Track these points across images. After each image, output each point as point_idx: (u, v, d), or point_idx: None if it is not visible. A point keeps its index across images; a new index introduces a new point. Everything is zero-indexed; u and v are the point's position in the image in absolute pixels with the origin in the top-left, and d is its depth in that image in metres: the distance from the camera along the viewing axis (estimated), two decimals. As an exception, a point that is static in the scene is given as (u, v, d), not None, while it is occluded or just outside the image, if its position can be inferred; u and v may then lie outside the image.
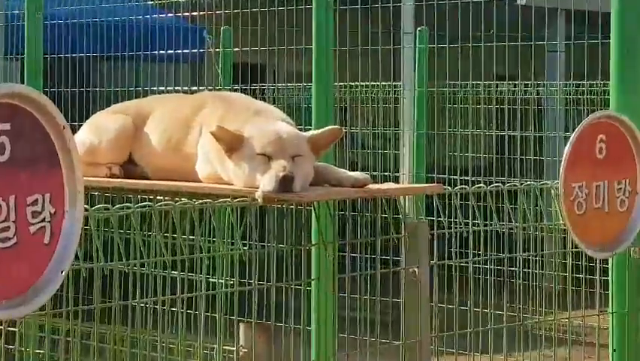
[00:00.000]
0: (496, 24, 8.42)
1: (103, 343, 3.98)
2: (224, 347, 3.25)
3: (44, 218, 1.97)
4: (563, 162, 3.27)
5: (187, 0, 7.84)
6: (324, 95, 4.33)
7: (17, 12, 7.21)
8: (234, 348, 3.43)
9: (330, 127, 3.24)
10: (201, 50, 7.95)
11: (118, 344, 3.85)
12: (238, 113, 3.18)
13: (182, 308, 3.31)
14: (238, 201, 2.88)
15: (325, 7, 4.30)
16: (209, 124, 3.08)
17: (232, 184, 3.01)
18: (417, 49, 8.57)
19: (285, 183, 2.76)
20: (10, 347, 3.56)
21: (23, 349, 3.60)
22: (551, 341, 4.69)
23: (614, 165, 3.50)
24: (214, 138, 2.94)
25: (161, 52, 7.57)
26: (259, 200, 2.78)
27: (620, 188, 3.48)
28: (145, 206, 2.69)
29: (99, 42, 7.88)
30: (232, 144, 2.92)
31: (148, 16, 8.43)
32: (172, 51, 7.61)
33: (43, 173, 2.01)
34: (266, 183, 2.77)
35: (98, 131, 3.48)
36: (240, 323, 3.25)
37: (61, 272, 2.05)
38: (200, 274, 3.39)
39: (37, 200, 1.96)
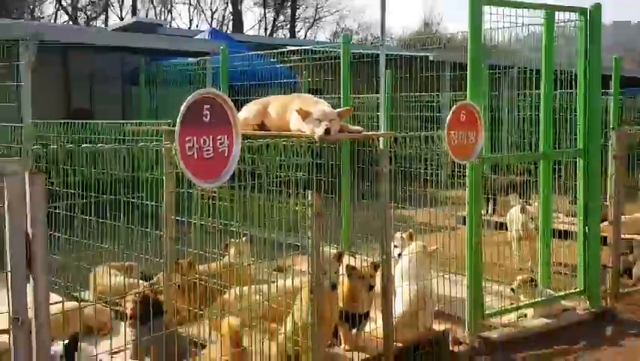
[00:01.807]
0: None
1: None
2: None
3: (225, 145, 3.72)
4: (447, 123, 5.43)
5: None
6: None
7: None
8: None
9: (346, 107, 5.06)
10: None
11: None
12: (307, 103, 5.09)
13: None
14: (307, 138, 4.88)
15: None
16: (295, 107, 4.97)
17: (305, 132, 4.88)
18: None
19: (328, 130, 4.76)
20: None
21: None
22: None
23: (468, 124, 5.63)
24: (298, 113, 4.88)
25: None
26: (317, 138, 4.77)
27: (468, 135, 5.62)
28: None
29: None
30: (305, 115, 4.86)
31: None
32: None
33: (223, 126, 3.71)
34: (319, 131, 4.76)
35: (249, 111, 5.45)
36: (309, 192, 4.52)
37: (232, 169, 3.79)
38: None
39: (221, 138, 3.70)
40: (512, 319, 6.51)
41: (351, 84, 9.05)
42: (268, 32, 43.49)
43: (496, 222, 9.89)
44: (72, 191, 6.08)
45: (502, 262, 7.55)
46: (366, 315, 5.45)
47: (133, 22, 16.85)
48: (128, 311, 4.99)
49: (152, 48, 14.36)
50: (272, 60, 12.20)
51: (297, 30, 45.34)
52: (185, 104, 3.55)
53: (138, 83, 14.51)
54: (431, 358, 5.63)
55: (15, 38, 11.90)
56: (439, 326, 5.95)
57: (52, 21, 34.99)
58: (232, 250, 6.75)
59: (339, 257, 4.97)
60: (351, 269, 5.26)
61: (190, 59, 13.45)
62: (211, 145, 3.69)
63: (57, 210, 5.93)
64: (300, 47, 10.44)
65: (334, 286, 4.81)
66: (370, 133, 6.06)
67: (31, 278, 2.83)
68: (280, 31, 44.62)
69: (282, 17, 44.66)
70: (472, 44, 6.06)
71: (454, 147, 5.64)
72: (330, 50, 10.24)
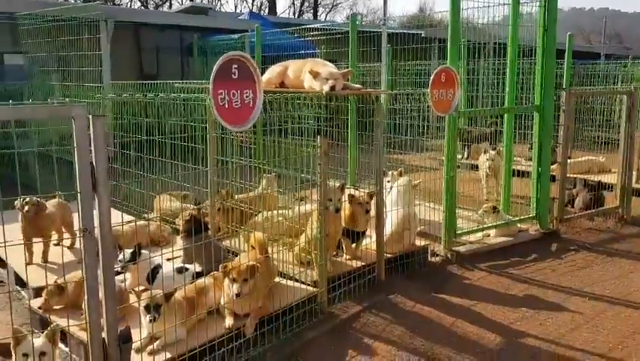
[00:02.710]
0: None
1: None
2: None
3: (250, 97, 3.64)
4: (430, 83, 5.23)
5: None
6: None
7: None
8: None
9: (348, 69, 4.92)
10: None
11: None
12: (317, 65, 4.94)
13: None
14: (317, 93, 4.70)
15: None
16: (308, 69, 4.82)
17: (315, 89, 4.74)
18: None
19: (333, 87, 4.60)
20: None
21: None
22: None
23: (447, 83, 5.40)
24: (310, 73, 4.72)
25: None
26: (324, 93, 4.64)
27: (447, 92, 5.40)
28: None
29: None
30: (315, 75, 4.70)
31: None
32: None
33: (249, 82, 3.61)
34: (325, 87, 4.62)
35: (272, 73, 5.26)
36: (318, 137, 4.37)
37: (256, 116, 3.72)
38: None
39: (247, 91, 3.61)
40: (478, 237, 6.45)
41: (357, 55, 8.90)
42: (296, 15, 42.74)
43: (471, 164, 9.82)
44: (141, 137, 6.10)
45: (472, 195, 7.48)
46: (364, 233, 5.43)
47: (189, 5, 16.48)
48: (181, 227, 5.01)
49: (203, 27, 14.16)
50: (296, 36, 11.99)
51: (319, 14, 44.75)
52: (217, 63, 3.45)
53: (192, 55, 14.32)
54: (414, 266, 5.62)
55: (97, 18, 11.80)
56: (421, 242, 5.92)
57: (128, 6, 34.46)
58: (264, 182, 6.72)
59: (341, 188, 4.91)
60: (351, 197, 5.21)
61: (233, 36, 13.32)
62: (239, 97, 3.61)
63: (128, 151, 5.97)
64: (318, 25, 10.32)
65: (337, 210, 4.76)
66: (369, 90, 5.93)
67: (96, 198, 2.81)
68: (305, 14, 43.87)
69: (306, 3, 43.78)
70: (452, 22, 5.84)
71: (435, 102, 5.49)
72: (340, 28, 10.01)
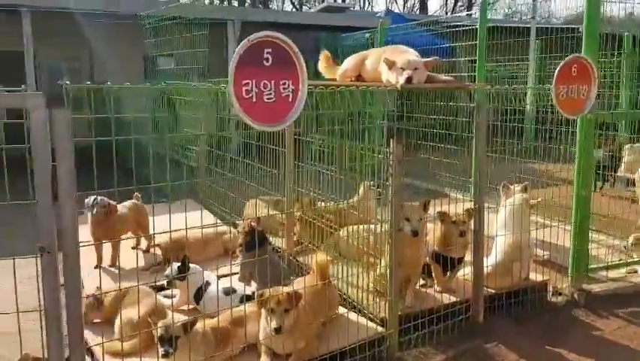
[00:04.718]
0: None
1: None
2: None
3: (290, 90, 2.87)
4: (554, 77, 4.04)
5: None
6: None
7: None
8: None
9: (433, 57, 3.94)
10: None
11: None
12: (395, 53, 3.99)
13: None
14: (391, 87, 3.80)
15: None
16: (384, 57, 3.91)
17: (390, 82, 3.83)
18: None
19: (409, 79, 3.68)
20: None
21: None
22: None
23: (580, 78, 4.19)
24: (384, 63, 3.87)
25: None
26: (398, 86, 3.72)
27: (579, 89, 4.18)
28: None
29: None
30: (390, 64, 3.83)
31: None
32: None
33: (288, 71, 2.86)
34: (401, 79, 3.70)
35: (348, 64, 4.45)
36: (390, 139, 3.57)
37: (297, 113, 2.93)
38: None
39: (284, 82, 2.85)
40: (621, 274, 5.05)
41: (487, 49, 7.83)
42: (449, 13, 41.05)
43: (628, 179, 8.11)
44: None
45: (620, 217, 5.97)
46: (460, 260, 4.42)
47: (326, 5, 16.20)
48: (239, 240, 4.43)
49: (337, 26, 13.71)
50: (428, 31, 11.03)
51: (473, 13, 42.65)
52: (240, 46, 2.76)
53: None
54: (526, 306, 4.48)
55: (224, 19, 11.89)
56: (542, 275, 4.74)
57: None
58: (360, 191, 5.92)
59: (424, 205, 3.98)
60: (443, 215, 4.25)
61: (360, 33, 12.66)
62: (273, 89, 2.88)
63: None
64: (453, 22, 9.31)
65: (415, 233, 3.84)
66: (460, 84, 4.89)
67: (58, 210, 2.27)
68: (459, 13, 41.97)
69: (459, 2, 41.76)
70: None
71: (562, 101, 4.29)
72: (470, 24, 8.86)
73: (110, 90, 2.55)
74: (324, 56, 4.85)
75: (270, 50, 2.85)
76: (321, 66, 4.84)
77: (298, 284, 3.66)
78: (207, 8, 12.66)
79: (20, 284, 2.36)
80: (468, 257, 4.44)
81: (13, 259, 2.29)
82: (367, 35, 12.35)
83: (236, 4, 22.32)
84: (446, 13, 41.50)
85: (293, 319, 3.27)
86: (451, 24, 9.29)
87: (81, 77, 12.35)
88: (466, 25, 8.81)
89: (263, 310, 3.33)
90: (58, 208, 2.25)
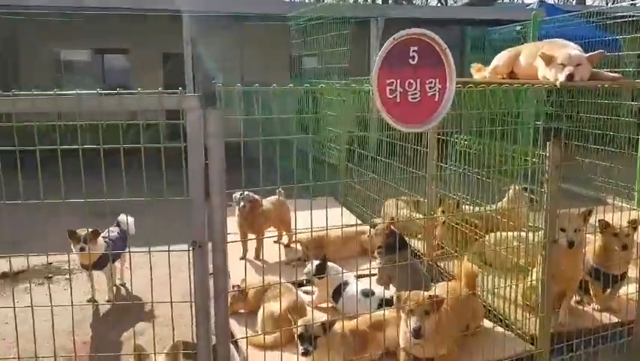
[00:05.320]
0: None
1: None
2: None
3: (436, 89, 2.75)
4: None
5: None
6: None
7: None
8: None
9: (598, 51, 3.52)
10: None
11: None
12: (553, 47, 3.66)
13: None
14: (550, 84, 3.49)
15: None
16: (541, 52, 3.60)
17: (548, 79, 3.51)
18: None
19: (570, 76, 3.34)
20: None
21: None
22: None
23: None
24: (541, 58, 3.56)
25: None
26: (557, 84, 3.41)
27: None
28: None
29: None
30: (548, 59, 3.52)
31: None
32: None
33: (435, 70, 2.75)
34: (561, 76, 3.38)
35: (499, 59, 4.17)
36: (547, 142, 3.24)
37: (443, 114, 2.79)
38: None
39: (431, 81, 2.74)
40: None
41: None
42: (609, 3, 37.54)
43: None
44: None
45: None
46: (622, 276, 3.97)
47: (474, -1, 15.62)
48: (379, 241, 4.37)
49: (485, 20, 13.10)
50: (588, 23, 10.11)
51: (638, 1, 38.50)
52: (385, 45, 2.69)
53: (464, 50, 13.35)
54: None
55: (368, 17, 11.91)
56: None
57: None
58: (510, 194, 5.55)
59: (585, 215, 3.60)
60: (605, 225, 3.84)
61: (517, 27, 11.94)
62: (418, 89, 2.77)
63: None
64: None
65: (571, 244, 3.49)
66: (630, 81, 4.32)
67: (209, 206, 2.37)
68: (621, 3, 38.20)
69: (625, -9, 38.01)
70: None
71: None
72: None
73: (259, 92, 2.61)
74: (475, 69, 4.61)
75: (415, 48, 2.76)
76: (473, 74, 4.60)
77: (441, 288, 3.51)
78: (351, 7, 12.72)
79: (180, 271, 2.51)
80: (632, 273, 3.98)
81: (168, 251, 2.43)
82: (518, 29, 11.63)
83: (379, 1, 22.25)
84: (607, 4, 38.06)
85: (434, 323, 3.13)
86: (617, 14, 8.41)
87: (233, 77, 13.13)
88: (635, 16, 7.94)
89: (402, 314, 3.23)
90: (209, 204, 2.34)
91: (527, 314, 3.73)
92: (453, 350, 3.28)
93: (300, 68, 10.80)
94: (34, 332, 2.45)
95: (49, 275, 5.40)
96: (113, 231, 4.93)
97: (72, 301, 2.51)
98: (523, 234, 4.34)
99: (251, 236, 5.19)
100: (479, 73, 4.50)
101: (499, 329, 3.70)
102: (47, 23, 12.08)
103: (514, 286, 3.89)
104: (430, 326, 3.11)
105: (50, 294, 2.43)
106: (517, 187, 5.37)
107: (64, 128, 2.42)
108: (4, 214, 2.44)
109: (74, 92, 2.20)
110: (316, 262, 4.13)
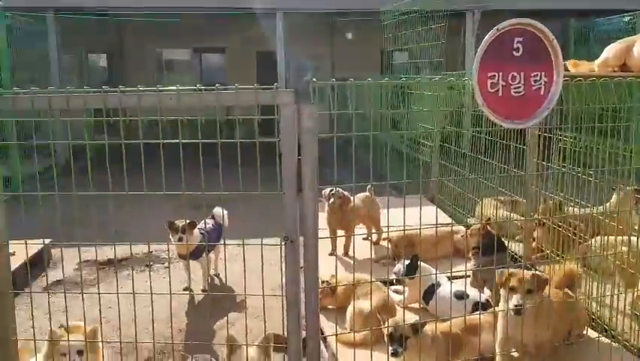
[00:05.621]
0: None
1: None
2: None
3: (542, 83, 2.59)
4: None
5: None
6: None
7: None
8: None
9: None
10: None
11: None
12: None
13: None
14: None
15: None
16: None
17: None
18: None
19: None
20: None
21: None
22: None
23: None
24: None
25: None
26: None
27: None
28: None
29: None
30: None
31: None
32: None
33: (542, 62, 2.59)
34: None
35: (609, 52, 3.81)
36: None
37: (549, 109, 2.62)
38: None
39: (536, 74, 2.58)
40: None
41: None
42: None
43: None
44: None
45: None
46: None
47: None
48: (472, 243, 4.21)
49: (590, 9, 12.30)
50: None
51: None
52: (488, 36, 2.56)
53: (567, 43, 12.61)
54: None
55: (464, 9, 11.55)
56: None
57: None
58: (615, 196, 5.16)
59: None
60: None
61: (625, 17, 11.14)
62: (522, 82, 2.63)
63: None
64: None
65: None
66: None
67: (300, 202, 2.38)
68: None
69: None
70: None
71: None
72: None
73: (352, 86, 2.57)
74: (571, 64, 4.29)
75: (521, 39, 2.60)
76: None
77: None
78: (447, -1, 12.39)
79: (271, 265, 2.54)
80: None
81: (261, 244, 2.46)
82: (627, 19, 10.88)
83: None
84: None
85: (535, 303, 2.96)
86: None
87: (323, 73, 13.23)
88: None
89: (500, 311, 3.07)
90: (302, 200, 2.34)
91: (636, 326, 3.46)
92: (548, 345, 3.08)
93: (390, 63, 10.68)
94: (134, 318, 2.56)
95: (150, 263, 5.68)
96: (209, 223, 5.08)
97: (170, 290, 2.60)
98: (633, 239, 4.03)
99: (340, 232, 5.18)
100: (577, 68, 4.19)
101: (605, 340, 3.44)
102: (151, 25, 12.76)
103: (622, 295, 3.62)
104: (532, 305, 2.95)
105: (150, 282, 2.52)
106: (628, 189, 4.99)
107: (165, 122, 2.50)
108: (110, 205, 2.57)
109: (175, 87, 2.27)
110: (407, 262, 4.04)
